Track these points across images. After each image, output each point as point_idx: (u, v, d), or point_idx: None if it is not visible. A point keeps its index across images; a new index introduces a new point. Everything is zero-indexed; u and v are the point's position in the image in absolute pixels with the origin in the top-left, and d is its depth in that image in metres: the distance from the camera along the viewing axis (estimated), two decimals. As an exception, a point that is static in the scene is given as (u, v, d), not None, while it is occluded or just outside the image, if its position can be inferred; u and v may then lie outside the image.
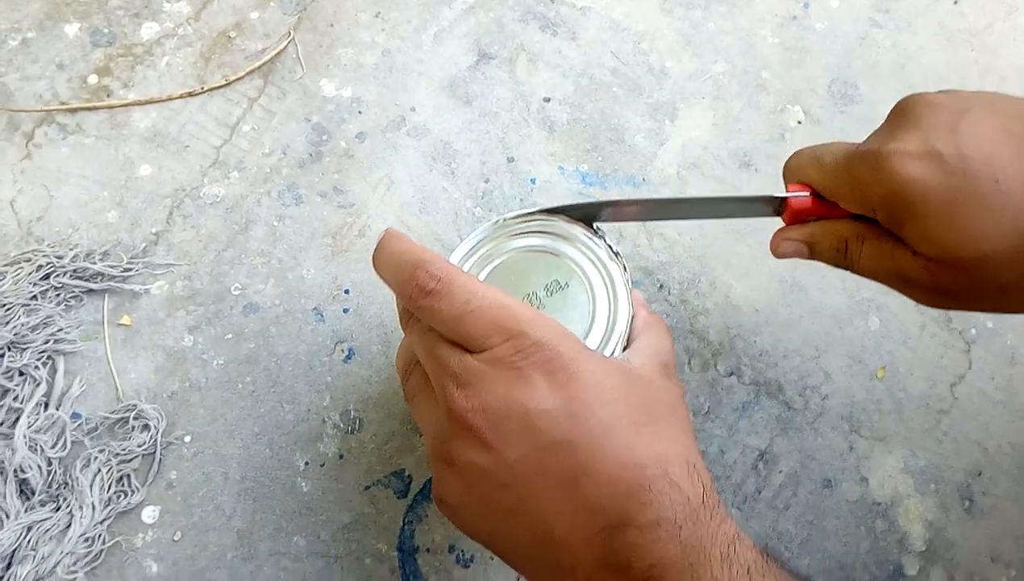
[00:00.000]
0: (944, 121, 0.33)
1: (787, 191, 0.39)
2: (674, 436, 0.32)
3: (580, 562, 0.30)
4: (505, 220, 0.39)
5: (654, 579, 0.29)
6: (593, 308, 0.37)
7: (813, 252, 0.40)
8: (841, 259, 0.38)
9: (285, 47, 0.57)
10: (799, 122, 0.58)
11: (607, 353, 0.36)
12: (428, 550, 0.46)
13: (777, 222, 0.42)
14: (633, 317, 0.37)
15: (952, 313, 0.53)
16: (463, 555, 0.46)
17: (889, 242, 0.36)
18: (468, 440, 0.31)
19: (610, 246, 0.39)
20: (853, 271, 0.38)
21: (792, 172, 0.40)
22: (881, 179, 0.34)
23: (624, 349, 0.37)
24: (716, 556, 0.29)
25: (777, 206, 0.40)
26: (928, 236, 0.34)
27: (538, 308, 0.37)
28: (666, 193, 0.55)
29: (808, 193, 0.39)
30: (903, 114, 0.36)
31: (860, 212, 0.37)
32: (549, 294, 0.38)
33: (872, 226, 0.37)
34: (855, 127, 0.58)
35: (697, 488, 0.30)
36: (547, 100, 0.57)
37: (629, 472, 0.30)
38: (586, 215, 0.40)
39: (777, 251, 0.41)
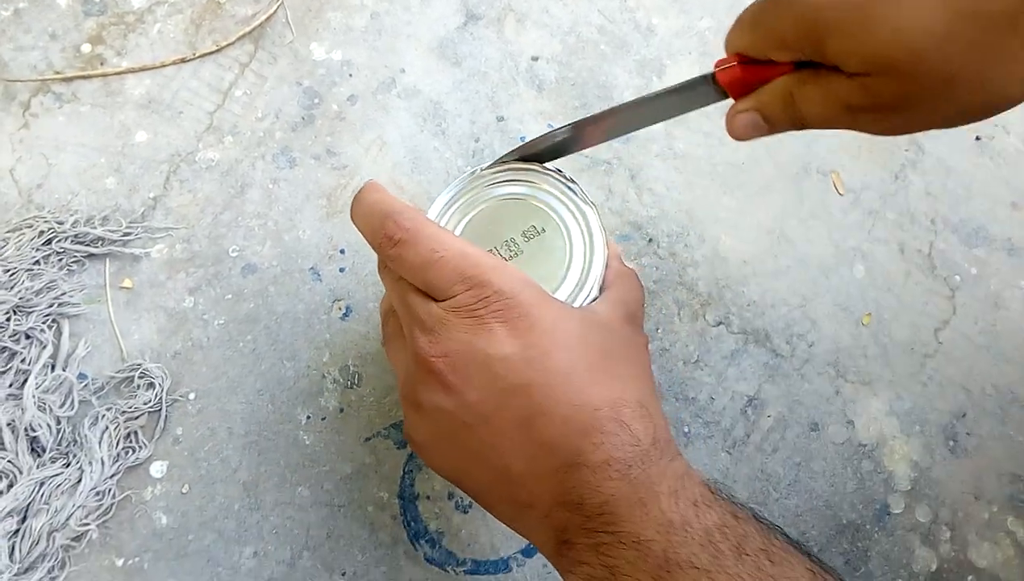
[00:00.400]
0: None
1: (716, 65, 0.37)
2: (629, 381, 0.33)
3: (537, 499, 0.32)
4: (481, 170, 0.40)
5: (606, 514, 0.30)
6: (570, 252, 0.38)
7: (766, 118, 0.36)
8: (791, 112, 0.35)
9: (275, 12, 0.58)
10: (785, 76, 0.58)
11: (584, 294, 0.38)
12: (428, 497, 0.48)
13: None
14: (607, 263, 0.39)
15: (935, 260, 0.54)
16: (462, 501, 0.47)
17: (828, 75, 0.33)
18: (432, 383, 0.33)
19: (584, 193, 0.40)
20: (808, 123, 0.35)
21: (729, 44, 0.37)
22: (788, 10, 0.32)
23: (600, 291, 0.38)
24: (664, 491, 0.30)
25: (717, 86, 0.37)
26: (850, 48, 0.31)
27: (516, 254, 0.39)
28: (655, 148, 0.56)
29: (735, 62, 0.36)
30: None
31: (791, 56, 0.34)
32: (527, 239, 0.39)
33: (809, 70, 0.34)
34: (841, 79, 0.58)
35: (648, 429, 0.32)
36: (535, 59, 0.58)
37: (582, 414, 0.31)
38: (551, 147, 0.41)
39: (733, 130, 0.38)
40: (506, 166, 0.41)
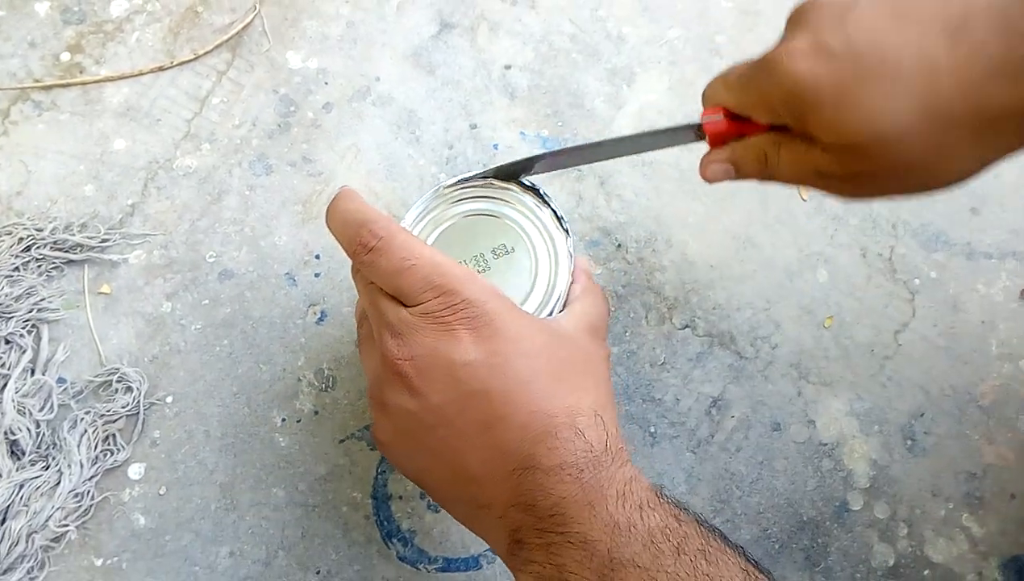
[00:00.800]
0: (831, 16, 0.34)
1: (703, 117, 0.41)
2: (587, 391, 0.35)
3: (494, 500, 0.34)
4: (444, 188, 0.41)
5: (557, 516, 0.32)
6: (535, 273, 0.40)
7: (739, 170, 0.41)
8: (764, 169, 0.39)
9: (251, 21, 0.59)
10: (752, 84, 0.60)
11: (544, 314, 0.39)
12: (400, 497, 0.49)
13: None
14: (572, 283, 0.40)
15: (896, 265, 0.56)
16: (432, 501, 0.49)
17: (803, 143, 0.36)
18: (398, 385, 0.35)
19: (555, 212, 0.41)
20: (778, 179, 0.39)
21: (707, 99, 0.41)
22: (777, 81, 0.35)
23: (561, 311, 0.39)
24: (612, 495, 0.32)
25: (699, 132, 0.41)
26: (828, 125, 0.34)
27: (484, 269, 0.40)
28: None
29: (721, 115, 0.40)
30: (795, 19, 0.36)
31: (771, 120, 0.38)
32: (496, 257, 0.40)
33: (786, 133, 0.37)
34: (806, 88, 0.60)
35: (601, 437, 0.33)
36: (508, 67, 0.59)
37: (539, 420, 0.33)
38: (519, 170, 0.42)
39: (706, 175, 0.42)
40: (484, 182, 0.42)
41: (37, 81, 0.56)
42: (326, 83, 0.58)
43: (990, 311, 0.55)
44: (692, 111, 0.59)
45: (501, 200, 0.42)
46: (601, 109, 0.59)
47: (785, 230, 0.57)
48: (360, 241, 0.36)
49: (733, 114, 0.39)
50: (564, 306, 0.40)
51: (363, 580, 0.47)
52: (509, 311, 0.35)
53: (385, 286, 0.36)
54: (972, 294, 0.56)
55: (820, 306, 0.55)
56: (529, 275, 0.40)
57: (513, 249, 0.41)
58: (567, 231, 0.41)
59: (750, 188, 0.57)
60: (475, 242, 0.41)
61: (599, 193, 0.56)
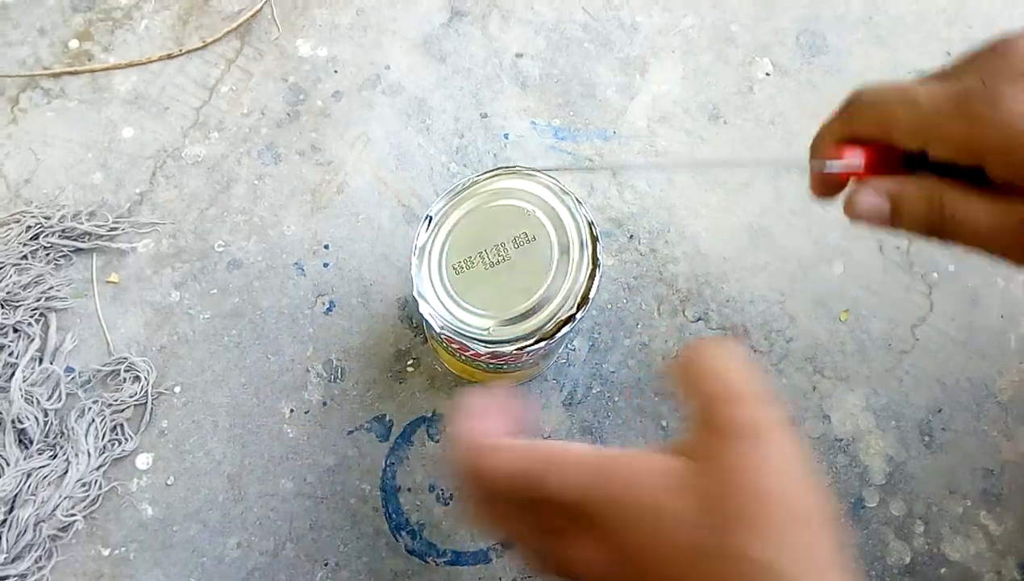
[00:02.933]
0: None
1: (840, 162, 0.34)
2: None
3: None
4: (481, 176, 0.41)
5: None
6: (553, 269, 0.39)
7: (898, 213, 0.33)
8: (936, 220, 0.32)
9: (261, 8, 0.58)
10: (767, 74, 0.59)
11: (562, 317, 0.38)
12: (409, 489, 0.48)
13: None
14: (585, 288, 0.38)
15: (914, 258, 0.55)
16: (443, 494, 0.48)
17: (1004, 196, 0.30)
18: None
19: (591, 224, 0.40)
20: (948, 236, 0.32)
21: (871, 109, 0.33)
22: (998, 122, 0.30)
23: (577, 306, 0.38)
24: None
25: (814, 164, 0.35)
26: None
27: (504, 259, 0.39)
28: (637, 146, 0.56)
29: (861, 161, 0.33)
30: (1007, 55, 0.31)
31: (959, 160, 0.31)
32: (516, 246, 0.39)
33: (955, 179, 0.32)
34: (823, 78, 0.59)
35: None
36: (519, 56, 0.59)
37: None
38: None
39: (854, 209, 0.34)
40: (529, 173, 0.41)
41: (46, 68, 0.56)
42: (336, 71, 0.57)
43: (1009, 305, 0.54)
44: (706, 100, 0.58)
45: (537, 196, 0.40)
46: (613, 99, 0.58)
47: (800, 222, 0.56)
48: None
49: (876, 147, 0.33)
50: (581, 311, 0.38)
51: (371, 572, 0.47)
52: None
53: None
54: (991, 288, 0.55)
55: (836, 299, 0.54)
56: (546, 272, 0.39)
57: (534, 238, 0.39)
58: (597, 238, 0.39)
59: (765, 179, 0.56)
60: (499, 231, 0.40)
61: (611, 183, 0.56)
